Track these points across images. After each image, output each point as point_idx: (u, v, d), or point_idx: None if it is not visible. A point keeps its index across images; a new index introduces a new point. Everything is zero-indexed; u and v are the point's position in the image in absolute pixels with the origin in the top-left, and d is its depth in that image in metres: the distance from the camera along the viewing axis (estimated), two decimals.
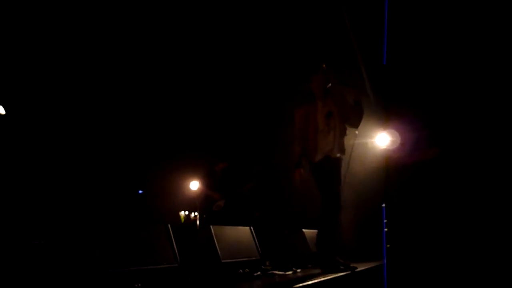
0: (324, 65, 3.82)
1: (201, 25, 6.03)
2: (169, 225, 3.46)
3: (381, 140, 4.92)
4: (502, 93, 5.07)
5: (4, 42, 4.30)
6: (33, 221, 2.79)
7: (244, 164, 6.02)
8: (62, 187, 5.05)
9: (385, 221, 4.75)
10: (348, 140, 3.94)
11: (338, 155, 3.73)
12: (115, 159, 6.01)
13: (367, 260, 4.55)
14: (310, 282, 2.87)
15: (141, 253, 3.08)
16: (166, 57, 6.25)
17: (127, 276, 2.86)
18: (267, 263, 4.19)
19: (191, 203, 5.80)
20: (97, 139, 5.74)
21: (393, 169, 5.03)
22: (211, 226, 3.93)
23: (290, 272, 3.74)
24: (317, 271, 3.62)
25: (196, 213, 5.16)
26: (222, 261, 3.72)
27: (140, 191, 6.88)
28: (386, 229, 4.72)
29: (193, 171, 5.98)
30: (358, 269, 3.67)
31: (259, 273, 3.73)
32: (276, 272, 3.76)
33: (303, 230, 4.81)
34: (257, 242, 4.39)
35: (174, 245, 3.38)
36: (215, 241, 3.79)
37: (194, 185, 5.99)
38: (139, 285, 2.81)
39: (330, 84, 3.76)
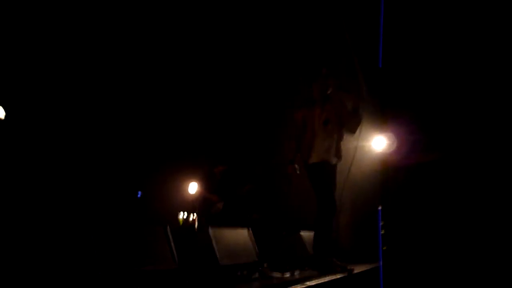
0: (324, 70, 3.85)
1: (202, 29, 6.06)
2: (167, 227, 3.49)
3: (378, 143, 4.96)
4: (499, 96, 5.10)
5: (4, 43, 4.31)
6: (32, 222, 2.80)
7: (243, 167, 6.05)
8: (62, 188, 5.06)
9: (381, 223, 4.78)
10: (351, 143, 3.99)
11: (335, 160, 3.77)
12: (115, 162, 6.03)
13: (363, 262, 4.58)
14: (307, 284, 2.94)
15: (140, 255, 3.10)
16: (166, 60, 6.28)
17: (126, 278, 2.89)
18: (265, 265, 4.20)
19: (189, 205, 5.81)
20: (96, 141, 5.75)
21: (389, 172, 5.06)
22: (209, 228, 3.95)
23: (288, 274, 3.75)
24: (314, 273, 3.64)
25: (195, 215, 5.18)
26: (220, 263, 3.75)
27: (139, 193, 6.88)
28: (382, 232, 4.75)
29: (192, 173, 6.00)
30: (355, 271, 3.71)
31: (257, 275, 3.75)
32: (274, 274, 3.77)
33: (301, 232, 4.84)
34: (255, 244, 4.41)
35: (173, 247, 3.41)
36: (214, 243, 3.81)
37: (193, 187, 6.01)
38: (137, 286, 2.81)
39: (330, 90, 3.79)
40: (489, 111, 5.13)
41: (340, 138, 3.78)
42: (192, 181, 5.94)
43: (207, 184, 5.78)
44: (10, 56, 4.41)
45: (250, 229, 4.52)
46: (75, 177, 5.33)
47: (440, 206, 5.03)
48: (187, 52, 6.27)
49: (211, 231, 3.91)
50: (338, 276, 3.43)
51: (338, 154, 3.77)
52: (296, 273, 3.85)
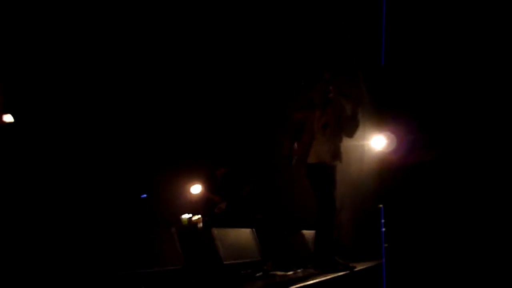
0: (327, 75, 3.90)
1: (205, 32, 6.10)
2: (172, 228, 3.55)
3: (377, 142, 5.00)
4: (498, 95, 5.14)
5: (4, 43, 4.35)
6: (41, 224, 2.86)
7: (244, 168, 6.10)
8: (70, 192, 5.13)
9: (383, 221, 4.82)
10: (357, 141, 4.05)
11: (335, 162, 3.82)
12: (120, 165, 6.09)
13: (365, 260, 4.62)
14: (310, 282, 2.93)
15: (146, 256, 3.15)
16: (172, 66, 6.32)
17: (133, 278, 2.94)
18: (269, 264, 4.26)
19: (193, 206, 5.86)
20: (102, 145, 5.82)
21: (389, 170, 5.10)
22: (213, 229, 4.01)
23: (291, 272, 3.81)
24: (317, 271, 3.67)
25: (199, 216, 5.24)
26: (224, 262, 3.81)
27: (144, 195, 6.95)
28: (384, 229, 4.78)
29: (195, 175, 6.06)
30: (357, 269, 3.74)
31: (260, 273, 3.80)
32: (277, 272, 3.83)
33: (303, 231, 4.89)
34: (258, 244, 4.46)
35: (178, 247, 3.46)
36: (217, 243, 3.87)
37: (196, 188, 6.07)
38: (144, 287, 2.87)
39: (331, 94, 3.84)
40: (488, 111, 5.17)
41: (339, 141, 3.83)
42: (195, 183, 6.01)
43: (210, 186, 5.84)
44: (18, 59, 4.46)
45: (253, 229, 4.58)
46: (83, 181, 5.40)
47: (440, 203, 5.07)
48: (189, 56, 6.32)
49: (215, 231, 3.97)
50: (340, 274, 3.46)
51: (338, 156, 3.81)
52: (299, 271, 3.91)
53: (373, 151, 5.00)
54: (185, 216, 4.73)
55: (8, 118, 3.86)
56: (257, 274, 3.77)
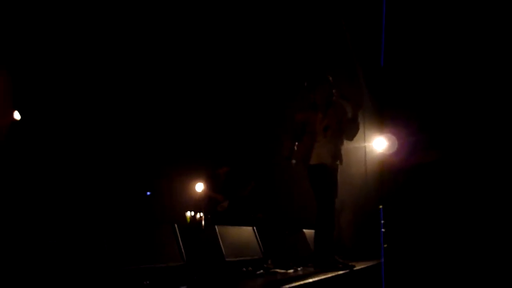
0: (330, 77, 3.94)
1: (207, 33, 6.14)
2: (175, 225, 3.59)
3: (378, 144, 5.03)
4: (498, 96, 5.15)
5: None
6: (48, 222, 2.92)
7: (246, 167, 6.16)
8: (74, 189, 5.20)
9: (382, 222, 4.85)
10: (358, 143, 4.09)
11: (335, 164, 3.87)
12: (126, 164, 6.16)
13: (365, 259, 4.67)
14: (310, 280, 2.95)
15: (150, 252, 3.20)
16: (175, 68, 6.37)
17: (136, 274, 2.99)
18: (269, 262, 4.31)
19: (196, 204, 5.94)
20: (108, 145, 5.88)
21: (390, 172, 5.13)
22: (215, 226, 4.06)
23: (291, 271, 3.85)
24: (317, 269, 3.71)
25: (202, 214, 5.31)
26: (226, 259, 3.85)
27: (148, 193, 7.03)
28: (383, 230, 4.82)
29: (198, 174, 6.13)
30: (357, 268, 3.78)
31: (261, 271, 3.84)
32: (278, 270, 3.86)
33: (304, 230, 4.94)
34: (259, 242, 4.52)
35: (181, 244, 3.51)
36: (220, 241, 3.92)
37: (199, 187, 6.14)
38: (147, 282, 2.91)
39: (334, 97, 3.89)
40: (489, 112, 5.19)
41: (340, 143, 3.88)
42: (198, 182, 6.08)
43: (212, 184, 5.91)
44: (25, 58, 4.51)
45: (254, 227, 4.63)
46: (88, 179, 5.47)
47: (439, 205, 5.11)
48: (192, 57, 6.37)
49: (217, 229, 4.01)
50: (340, 272, 3.50)
51: (338, 157, 3.86)
52: (299, 269, 3.95)
53: (374, 152, 5.03)
54: (188, 213, 4.79)
55: (16, 115, 3.93)
56: (258, 272, 3.81)
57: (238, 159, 6.14)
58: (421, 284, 4.41)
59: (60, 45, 5.07)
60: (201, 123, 6.86)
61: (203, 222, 4.88)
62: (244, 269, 3.92)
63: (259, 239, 4.51)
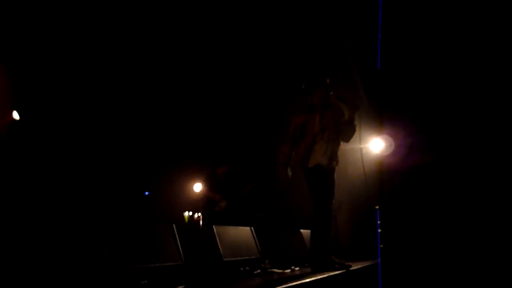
0: (328, 80, 3.98)
1: (206, 33, 6.17)
2: (173, 225, 3.60)
3: (375, 145, 5.06)
4: (496, 97, 5.18)
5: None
6: (45, 221, 2.93)
7: (244, 167, 6.18)
8: (73, 189, 5.21)
9: (379, 222, 4.88)
10: (355, 145, 4.13)
11: (332, 164, 3.90)
12: (123, 163, 6.18)
13: (362, 259, 4.71)
14: (307, 280, 2.97)
15: (147, 252, 3.21)
16: (175, 68, 6.40)
17: (134, 273, 3.00)
18: (267, 262, 4.34)
19: (194, 204, 5.96)
20: (106, 144, 5.90)
21: (386, 173, 5.15)
22: (213, 226, 4.08)
23: (288, 270, 3.88)
24: (313, 269, 3.73)
25: (199, 214, 5.32)
26: (224, 259, 3.88)
27: (146, 193, 7.05)
28: (380, 230, 4.85)
29: (196, 174, 6.15)
30: (353, 268, 3.81)
31: (258, 271, 3.88)
32: (275, 270, 3.89)
33: (301, 230, 4.96)
34: (257, 242, 4.54)
35: (179, 244, 3.53)
36: (217, 240, 3.95)
37: (197, 187, 6.16)
38: (145, 281, 2.93)
39: (332, 99, 3.92)
40: (486, 113, 5.22)
41: (337, 145, 3.91)
42: (196, 181, 6.09)
43: (211, 184, 5.93)
44: (25, 58, 4.52)
45: (252, 227, 4.66)
46: (86, 178, 5.48)
47: (436, 205, 5.14)
48: (192, 57, 6.39)
49: (215, 229, 4.04)
50: (337, 272, 3.53)
51: (334, 159, 3.89)
52: (296, 269, 3.98)
53: (371, 154, 5.06)
54: (186, 213, 4.81)
55: (15, 115, 3.94)
56: (255, 271, 3.84)
57: (237, 159, 6.16)
58: (418, 284, 4.44)
59: (60, 45, 5.09)
60: (200, 123, 6.88)
61: (201, 222, 4.91)
62: (242, 268, 3.95)
63: (256, 239, 4.54)
